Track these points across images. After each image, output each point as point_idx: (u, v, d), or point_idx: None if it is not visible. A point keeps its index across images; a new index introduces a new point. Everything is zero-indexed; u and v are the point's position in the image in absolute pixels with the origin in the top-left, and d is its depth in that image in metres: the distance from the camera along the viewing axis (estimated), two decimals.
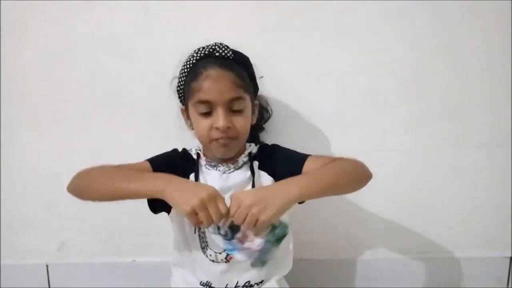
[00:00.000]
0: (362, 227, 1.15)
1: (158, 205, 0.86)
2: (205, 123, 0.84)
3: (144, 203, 1.13)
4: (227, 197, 0.85)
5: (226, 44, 0.85)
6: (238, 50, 0.88)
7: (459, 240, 1.15)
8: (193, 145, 0.94)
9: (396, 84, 1.07)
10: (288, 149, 0.93)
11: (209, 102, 0.82)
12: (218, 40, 0.87)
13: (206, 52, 0.85)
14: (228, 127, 0.82)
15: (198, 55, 0.85)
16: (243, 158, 0.90)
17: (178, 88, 0.91)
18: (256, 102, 0.94)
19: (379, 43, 1.05)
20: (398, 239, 1.15)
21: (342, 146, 1.10)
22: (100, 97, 1.11)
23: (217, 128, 0.82)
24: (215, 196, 0.73)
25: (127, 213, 1.15)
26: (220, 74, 0.82)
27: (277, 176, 0.88)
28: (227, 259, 0.87)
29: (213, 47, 0.85)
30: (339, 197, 1.12)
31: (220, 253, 0.87)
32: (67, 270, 1.20)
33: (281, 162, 0.90)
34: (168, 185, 0.75)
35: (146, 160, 0.90)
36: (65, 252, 1.20)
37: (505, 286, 1.15)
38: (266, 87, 1.02)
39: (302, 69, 1.07)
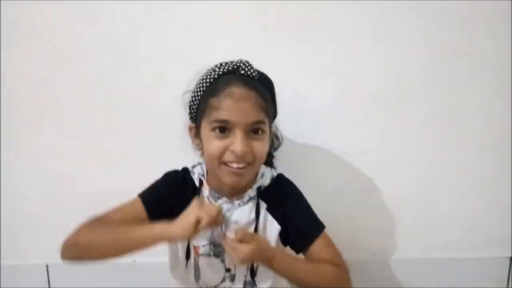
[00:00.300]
0: (362, 227, 1.15)
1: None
2: (219, 144, 0.75)
3: None
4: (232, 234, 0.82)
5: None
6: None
7: (459, 240, 1.15)
8: (196, 161, 0.90)
9: (396, 84, 1.07)
10: (305, 204, 0.86)
11: (228, 122, 0.74)
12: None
13: (230, 68, 0.78)
14: (246, 153, 0.75)
15: (221, 70, 0.78)
16: (250, 193, 0.84)
17: (192, 103, 0.83)
18: (274, 128, 0.87)
19: (379, 43, 1.05)
20: (398, 239, 1.15)
21: (342, 146, 1.10)
22: (100, 97, 1.11)
23: (232, 151, 0.75)
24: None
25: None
26: (244, 94, 0.74)
27: (284, 232, 0.84)
28: None
29: (238, 63, 0.78)
30: (339, 197, 1.12)
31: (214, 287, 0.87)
32: (67, 270, 1.19)
33: (294, 222, 0.84)
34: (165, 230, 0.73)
35: (138, 196, 0.85)
36: None
37: (505, 286, 1.15)
38: None
39: (302, 69, 1.07)
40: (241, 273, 0.87)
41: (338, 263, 0.83)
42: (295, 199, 0.87)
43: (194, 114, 0.84)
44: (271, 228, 0.85)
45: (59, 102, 1.12)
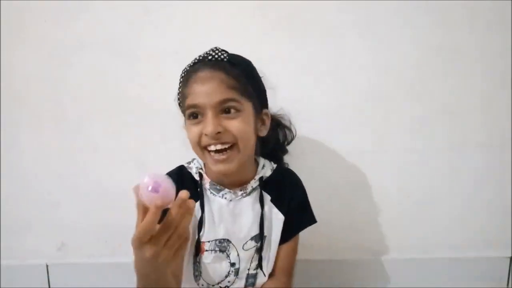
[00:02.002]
0: (362, 227, 1.15)
1: None
2: (195, 129, 0.76)
3: None
4: (238, 226, 0.84)
5: (226, 48, 0.80)
6: (239, 51, 0.83)
7: (459, 240, 1.15)
8: (191, 157, 0.88)
9: (396, 84, 1.07)
10: (306, 196, 0.90)
11: (197, 106, 0.74)
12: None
13: (200, 57, 0.79)
14: (219, 132, 0.73)
15: (193, 62, 0.80)
16: (253, 183, 0.84)
17: (178, 101, 0.84)
18: (267, 111, 0.86)
19: (379, 43, 1.05)
20: (398, 239, 1.15)
21: (342, 146, 1.10)
22: (100, 97, 1.11)
23: (206, 134, 0.74)
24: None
25: (127, 213, 1.14)
26: (209, 75, 0.75)
27: (285, 219, 0.86)
28: None
29: (208, 51, 0.79)
30: (339, 197, 1.12)
31: (213, 285, 0.86)
32: (67, 270, 1.20)
33: (294, 212, 0.87)
34: None
35: None
36: (65, 252, 1.20)
37: (505, 286, 1.15)
38: (266, 88, 1.02)
39: (302, 69, 1.07)
40: (245, 266, 0.86)
41: (287, 274, 0.90)
42: (300, 193, 0.89)
43: (183, 111, 0.84)
44: (277, 219, 0.86)
45: (59, 102, 1.12)
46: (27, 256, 1.20)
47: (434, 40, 1.05)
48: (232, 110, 0.75)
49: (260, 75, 0.85)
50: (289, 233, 0.89)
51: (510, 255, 1.14)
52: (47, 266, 1.19)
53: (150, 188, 0.55)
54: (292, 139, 0.99)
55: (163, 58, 1.06)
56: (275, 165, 0.90)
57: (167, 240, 0.57)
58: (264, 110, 0.85)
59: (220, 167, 0.76)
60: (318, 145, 1.10)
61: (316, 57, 1.06)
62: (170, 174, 0.85)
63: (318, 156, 1.10)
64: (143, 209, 0.57)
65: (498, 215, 1.13)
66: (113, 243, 1.19)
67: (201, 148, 0.77)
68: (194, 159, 0.89)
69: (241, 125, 0.75)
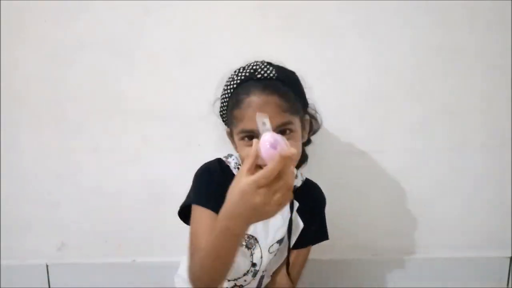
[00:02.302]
0: (362, 227, 1.15)
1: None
2: (249, 149, 0.74)
3: (144, 204, 1.14)
4: (265, 227, 0.86)
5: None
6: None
7: (459, 240, 1.15)
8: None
9: (396, 85, 1.07)
10: (324, 212, 0.95)
11: (253, 131, 0.74)
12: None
13: (247, 73, 0.79)
14: None
15: (239, 78, 0.79)
16: None
17: (221, 113, 0.85)
18: (307, 117, 0.87)
19: (379, 43, 1.05)
20: (398, 239, 1.15)
21: (343, 146, 1.10)
22: (100, 97, 1.11)
23: None
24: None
25: (127, 213, 1.15)
26: (264, 100, 0.75)
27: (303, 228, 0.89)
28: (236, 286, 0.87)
29: (254, 67, 0.79)
30: (339, 197, 1.12)
31: (228, 281, 0.86)
32: (67, 270, 1.20)
33: (312, 224, 0.90)
34: (234, 222, 0.63)
35: (196, 205, 0.80)
36: (65, 252, 1.20)
37: (505, 286, 1.15)
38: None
39: (302, 69, 1.06)
40: (263, 270, 0.88)
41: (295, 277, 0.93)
42: (323, 206, 0.95)
43: (225, 121, 0.86)
44: (297, 226, 0.89)
45: (59, 102, 1.12)
46: (27, 256, 1.20)
47: (434, 40, 1.05)
48: (288, 131, 0.77)
49: (303, 84, 0.87)
50: (301, 242, 0.92)
51: (510, 255, 1.14)
52: (47, 266, 1.19)
53: (269, 144, 0.59)
54: (318, 128, 0.97)
55: (163, 58, 1.06)
56: (305, 177, 0.94)
57: (275, 190, 0.58)
58: (305, 116, 0.87)
59: None
60: (318, 145, 1.10)
61: (316, 57, 1.06)
62: (211, 164, 0.86)
63: (318, 156, 1.10)
64: (255, 159, 0.60)
65: (498, 215, 1.13)
66: (113, 243, 1.19)
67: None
68: (231, 154, 0.89)
69: (295, 144, 0.77)
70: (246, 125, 0.76)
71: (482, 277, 1.14)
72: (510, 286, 1.15)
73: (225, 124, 0.87)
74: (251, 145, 0.71)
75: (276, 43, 1.05)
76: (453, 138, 1.09)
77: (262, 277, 0.90)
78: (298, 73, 1.07)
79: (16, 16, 1.07)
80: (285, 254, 0.92)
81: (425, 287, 1.16)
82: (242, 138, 0.78)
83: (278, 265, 0.94)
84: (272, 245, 0.87)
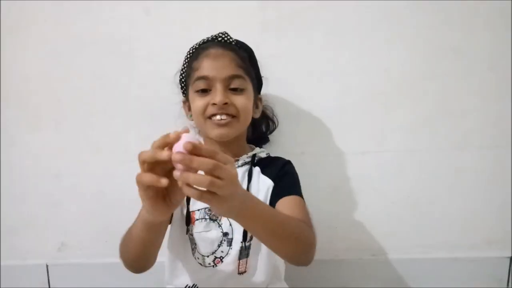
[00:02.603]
0: (362, 227, 1.15)
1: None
2: (202, 101, 0.83)
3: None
4: None
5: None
6: None
7: (459, 240, 1.15)
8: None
9: (396, 84, 1.07)
10: (295, 175, 0.89)
11: (207, 78, 0.82)
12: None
13: (209, 38, 0.87)
14: (226, 103, 0.81)
15: (201, 41, 0.88)
16: (246, 158, 0.89)
17: (181, 77, 0.92)
18: (260, 97, 0.95)
19: (379, 43, 1.05)
20: (398, 239, 1.15)
21: (342, 146, 1.10)
22: (100, 97, 1.11)
23: (214, 104, 0.81)
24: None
25: (127, 213, 1.14)
26: (220, 52, 0.83)
27: (274, 184, 0.85)
28: (215, 263, 0.85)
29: (216, 34, 0.87)
30: (339, 197, 1.12)
31: (207, 256, 0.85)
32: (67, 270, 1.20)
33: (282, 178, 0.86)
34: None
35: None
36: (65, 252, 1.20)
37: (505, 286, 1.15)
38: (266, 88, 1.02)
39: (302, 69, 1.07)
40: (238, 238, 0.84)
41: (310, 225, 0.79)
42: (289, 168, 0.90)
43: (184, 86, 0.91)
44: (264, 184, 0.86)
45: (58, 102, 1.12)
46: (27, 256, 1.20)
47: (435, 41, 1.05)
48: (238, 88, 0.83)
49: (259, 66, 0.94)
50: (277, 196, 0.84)
51: (510, 255, 1.14)
52: (47, 266, 1.19)
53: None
54: (274, 129, 1.05)
55: (163, 58, 1.06)
56: (269, 153, 0.95)
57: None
58: (259, 95, 0.94)
59: (221, 131, 0.82)
60: (318, 145, 1.10)
61: (317, 57, 1.06)
62: None
63: (318, 156, 1.10)
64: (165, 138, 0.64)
65: (498, 215, 1.13)
66: (113, 243, 1.18)
67: (205, 118, 0.83)
68: None
69: (245, 101, 0.84)
70: (201, 72, 0.82)
71: (482, 277, 1.14)
72: (510, 286, 1.15)
73: (183, 93, 0.93)
74: (203, 96, 0.82)
75: (276, 43, 1.06)
76: (453, 138, 1.09)
77: (243, 248, 0.84)
78: (298, 73, 1.08)
79: (16, 16, 1.07)
80: None
81: (425, 287, 1.16)
82: (197, 91, 0.84)
83: None
84: None
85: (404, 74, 1.07)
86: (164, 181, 0.55)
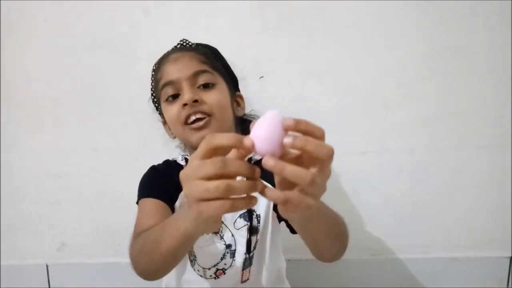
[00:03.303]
0: (362, 227, 1.15)
1: None
2: (173, 107, 0.78)
3: None
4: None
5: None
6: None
7: (459, 240, 1.15)
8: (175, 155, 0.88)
9: (396, 84, 1.07)
10: None
11: (172, 82, 0.77)
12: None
13: (170, 50, 0.85)
14: (196, 100, 0.75)
15: (161, 56, 0.85)
16: None
17: (152, 97, 0.87)
18: (240, 94, 0.89)
19: (379, 43, 1.05)
20: (398, 239, 1.15)
21: (342, 146, 1.10)
22: (100, 97, 1.11)
23: (185, 105, 0.75)
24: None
25: (127, 213, 1.14)
26: (180, 55, 0.81)
27: None
28: (217, 275, 0.82)
29: (176, 44, 0.85)
30: (339, 197, 1.12)
31: (209, 269, 0.82)
32: (67, 270, 1.20)
33: None
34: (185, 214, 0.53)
35: (142, 199, 0.80)
36: (65, 252, 1.20)
37: (505, 286, 1.15)
38: (266, 88, 1.02)
39: (302, 69, 1.07)
40: (242, 250, 0.82)
41: None
42: None
43: (157, 104, 0.87)
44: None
45: (58, 102, 1.12)
46: (27, 256, 1.20)
47: (434, 40, 1.05)
48: (209, 83, 0.78)
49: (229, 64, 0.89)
50: None
51: (510, 255, 1.14)
52: (47, 266, 1.20)
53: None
54: None
55: None
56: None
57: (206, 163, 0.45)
58: (238, 93, 0.88)
59: (201, 134, 0.76)
60: None
61: (317, 57, 1.06)
62: (158, 167, 0.86)
63: None
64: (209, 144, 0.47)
65: (498, 215, 1.13)
66: (113, 243, 1.19)
67: (181, 124, 0.78)
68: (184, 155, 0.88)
69: (217, 96, 0.78)
70: (165, 78, 0.79)
71: (482, 277, 1.14)
72: (510, 286, 1.15)
73: (159, 114, 0.88)
74: (174, 102, 0.78)
75: (276, 43, 1.05)
76: (453, 138, 1.09)
77: (246, 259, 0.83)
78: (298, 73, 1.08)
79: (16, 16, 1.07)
80: (267, 227, 0.82)
81: (425, 287, 1.16)
82: (167, 99, 0.80)
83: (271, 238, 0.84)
84: (235, 220, 0.81)
85: (404, 74, 1.07)
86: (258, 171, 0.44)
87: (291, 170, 0.42)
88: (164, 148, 1.10)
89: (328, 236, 0.63)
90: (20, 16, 1.07)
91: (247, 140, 0.42)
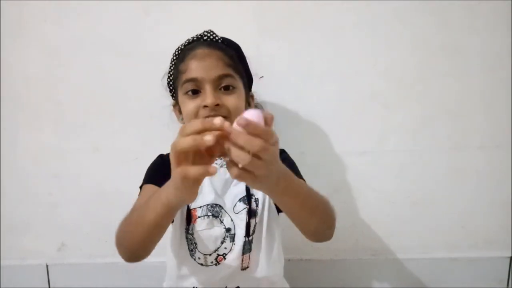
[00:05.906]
0: (362, 227, 1.15)
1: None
2: (193, 104, 0.80)
3: None
4: (228, 195, 0.84)
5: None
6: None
7: (459, 240, 1.15)
8: None
9: (396, 84, 1.07)
10: (292, 161, 0.88)
11: (196, 80, 0.79)
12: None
13: (195, 38, 0.85)
14: (218, 104, 0.78)
15: (186, 42, 0.86)
16: None
17: (168, 80, 0.89)
18: (252, 94, 0.92)
19: (379, 43, 1.05)
20: (398, 239, 1.15)
21: (342, 147, 1.10)
22: (100, 97, 1.11)
23: (205, 106, 0.77)
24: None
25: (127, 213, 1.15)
26: (207, 52, 0.81)
27: None
28: (217, 261, 0.84)
29: (202, 33, 0.85)
30: (339, 197, 1.12)
31: (209, 255, 0.84)
32: (67, 270, 1.20)
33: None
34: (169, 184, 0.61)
35: (145, 184, 0.84)
36: (65, 252, 1.20)
37: (505, 286, 1.15)
38: (266, 88, 1.02)
39: (302, 69, 1.07)
40: (241, 233, 0.84)
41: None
42: (285, 156, 0.89)
43: (172, 88, 0.89)
44: None
45: (59, 102, 1.12)
46: (27, 256, 1.20)
47: (434, 41, 1.05)
48: (230, 86, 0.81)
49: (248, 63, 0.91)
50: None
51: (510, 255, 1.14)
52: (47, 266, 1.19)
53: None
54: None
55: (163, 58, 1.06)
56: None
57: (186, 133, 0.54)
58: (250, 93, 0.91)
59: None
60: (318, 145, 1.10)
61: (317, 57, 1.06)
62: (166, 156, 0.87)
63: (318, 156, 1.10)
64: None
65: (498, 215, 1.13)
66: (113, 243, 1.18)
67: None
68: None
69: (236, 101, 0.81)
70: (189, 74, 0.80)
71: (482, 277, 1.15)
72: (510, 286, 1.15)
73: (172, 96, 0.90)
74: (194, 99, 0.79)
75: (276, 44, 1.06)
76: (453, 138, 1.09)
77: (246, 242, 0.84)
78: (297, 73, 1.08)
79: (16, 16, 1.07)
80: (265, 211, 0.86)
81: (425, 287, 1.16)
82: (186, 93, 0.81)
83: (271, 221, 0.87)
84: (235, 204, 0.84)
85: (404, 74, 1.07)
86: (212, 170, 0.52)
87: (245, 137, 0.50)
88: (164, 148, 1.11)
89: (302, 208, 0.67)
90: (20, 16, 1.07)
91: (216, 120, 0.51)
